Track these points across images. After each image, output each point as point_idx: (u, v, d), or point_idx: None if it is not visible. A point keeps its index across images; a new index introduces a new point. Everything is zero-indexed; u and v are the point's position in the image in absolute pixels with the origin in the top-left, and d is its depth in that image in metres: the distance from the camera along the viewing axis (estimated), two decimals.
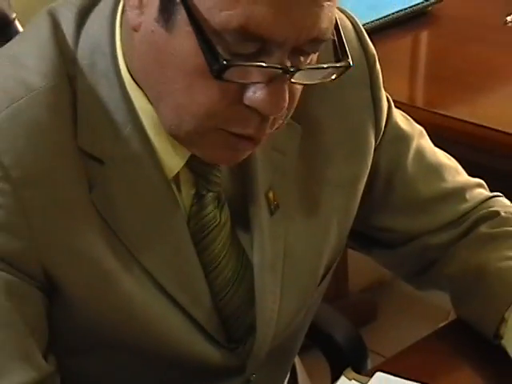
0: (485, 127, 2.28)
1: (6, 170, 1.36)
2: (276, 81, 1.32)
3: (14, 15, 2.01)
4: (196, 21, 1.29)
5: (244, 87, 1.34)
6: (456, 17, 2.88)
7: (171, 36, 1.33)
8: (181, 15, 1.30)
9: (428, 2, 2.88)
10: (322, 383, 1.78)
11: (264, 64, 1.31)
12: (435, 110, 2.19)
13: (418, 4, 2.85)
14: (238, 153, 1.44)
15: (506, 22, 2.81)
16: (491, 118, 2.34)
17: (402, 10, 2.78)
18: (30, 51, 1.47)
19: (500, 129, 2.28)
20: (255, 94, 1.33)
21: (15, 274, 1.39)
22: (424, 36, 2.82)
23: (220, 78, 1.30)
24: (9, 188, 1.36)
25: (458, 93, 2.48)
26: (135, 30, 1.38)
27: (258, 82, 1.32)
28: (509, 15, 2.82)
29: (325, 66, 1.41)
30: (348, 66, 1.40)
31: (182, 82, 1.36)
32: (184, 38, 1.32)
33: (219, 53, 1.29)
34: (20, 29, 1.99)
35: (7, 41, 1.61)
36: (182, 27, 1.31)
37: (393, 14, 2.76)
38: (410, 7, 2.80)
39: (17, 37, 1.62)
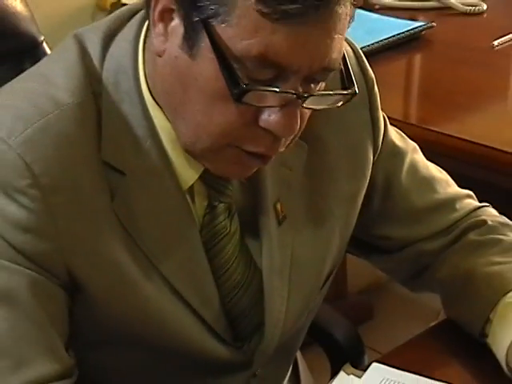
0: (473, 142, 2.28)
1: (36, 177, 1.37)
2: (289, 105, 1.35)
3: (41, 38, 2.01)
4: (218, 48, 1.31)
5: (260, 110, 1.35)
6: (447, 41, 2.89)
7: (194, 62, 1.35)
8: (204, 43, 1.32)
9: (421, 28, 2.88)
10: (322, 377, 1.77)
11: (279, 90, 1.33)
12: (427, 127, 2.18)
13: (412, 29, 2.85)
14: (248, 168, 1.46)
15: (493, 46, 2.81)
16: (479, 134, 2.34)
17: (396, 35, 2.79)
18: (59, 71, 1.48)
19: (487, 144, 2.28)
20: (270, 117, 1.35)
21: (42, 273, 1.40)
22: (417, 59, 2.83)
23: (239, 101, 1.32)
24: (38, 194, 1.37)
25: (448, 111, 2.48)
26: (159, 55, 1.40)
27: (273, 106, 1.34)
28: (496, 39, 2.82)
29: (332, 93, 1.43)
30: (354, 94, 1.41)
31: (203, 103, 1.38)
32: (206, 64, 1.34)
33: (239, 78, 1.31)
34: (47, 50, 1.99)
35: (36, 61, 1.63)
36: (204, 54, 1.33)
37: (388, 38, 2.77)
38: (404, 32, 2.80)
39: (46, 57, 1.67)
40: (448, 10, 3.06)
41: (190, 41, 1.34)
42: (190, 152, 1.46)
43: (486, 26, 2.96)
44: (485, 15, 3.05)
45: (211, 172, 1.49)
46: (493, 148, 2.27)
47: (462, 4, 3.05)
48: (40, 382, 1.37)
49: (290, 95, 1.34)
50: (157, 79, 1.45)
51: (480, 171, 1.93)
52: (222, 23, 1.30)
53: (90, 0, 2.85)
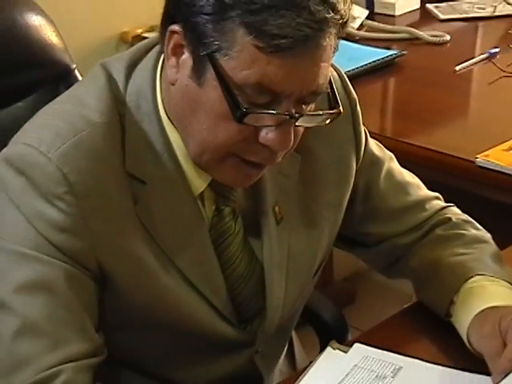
0: (439, 152, 2.31)
1: (72, 185, 1.39)
2: (284, 124, 1.37)
3: (74, 66, 2.02)
4: (222, 78, 1.33)
5: (259, 128, 1.37)
6: (416, 67, 2.91)
7: (202, 89, 1.38)
8: (210, 73, 1.35)
9: (394, 55, 2.90)
10: (313, 352, 1.77)
11: (275, 112, 1.35)
12: (401, 139, 2.20)
13: (387, 57, 2.88)
14: (248, 178, 1.49)
15: (455, 71, 2.83)
16: (443, 145, 2.35)
17: (374, 62, 2.80)
18: (90, 94, 1.50)
19: (450, 153, 2.30)
20: (267, 135, 1.37)
21: (76, 266, 1.42)
22: (391, 82, 2.83)
23: (240, 122, 1.34)
24: (74, 200, 1.40)
25: (418, 126, 2.49)
26: (172, 84, 1.43)
27: (269, 126, 1.36)
28: (457, 65, 2.84)
29: (321, 113, 1.45)
30: (339, 113, 1.44)
31: (209, 123, 1.40)
32: (212, 91, 1.36)
33: (240, 103, 1.33)
34: (79, 77, 2.00)
35: (69, 86, 1.66)
36: (210, 82, 1.36)
37: (367, 64, 2.78)
38: (380, 59, 2.82)
39: (78, 83, 1.70)
40: (417, 40, 3.07)
41: (197, 71, 1.37)
42: (198, 164, 1.48)
43: (449, 54, 2.98)
44: (448, 45, 3.06)
45: (215, 183, 1.53)
46: (455, 156, 2.30)
47: (429, 35, 3.07)
48: (74, 359, 1.38)
49: (284, 116, 1.36)
50: (171, 103, 1.48)
51: (445, 176, 1.95)
52: (225, 56, 1.33)
53: (115, 34, 2.85)
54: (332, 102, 1.46)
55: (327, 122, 1.46)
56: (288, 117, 1.37)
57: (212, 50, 1.34)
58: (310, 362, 1.63)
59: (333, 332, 2.00)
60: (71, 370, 1.37)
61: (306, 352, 1.91)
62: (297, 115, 1.38)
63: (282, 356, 1.82)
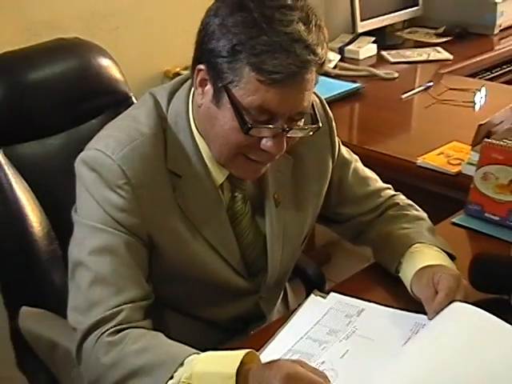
0: (391, 156, 2.32)
1: (129, 179, 1.41)
2: (278, 136, 1.40)
3: (131, 94, 2.02)
4: (233, 102, 1.36)
5: (260, 139, 1.39)
6: (373, 95, 2.90)
7: (220, 110, 1.39)
8: (225, 99, 1.36)
9: (358, 87, 2.89)
10: (300, 297, 1.77)
11: (272, 126, 1.37)
12: (364, 146, 2.20)
13: (353, 88, 2.87)
14: (255, 172, 1.51)
15: (401, 99, 2.83)
16: (394, 150, 2.37)
17: (344, 91, 2.80)
18: (141, 113, 1.51)
19: (398, 156, 2.33)
20: (267, 143, 1.39)
21: (132, 236, 1.43)
22: (356, 106, 2.83)
23: (247, 134, 1.36)
24: (130, 189, 1.42)
25: (375, 137, 2.49)
26: (199, 106, 1.44)
27: (267, 136, 1.39)
28: (403, 94, 2.84)
29: (306, 127, 1.47)
30: (318, 127, 1.47)
31: (225, 136, 1.41)
32: (227, 111, 1.38)
33: (247, 120, 1.35)
34: (134, 102, 1.98)
35: (127, 108, 1.63)
36: (225, 105, 1.37)
37: (339, 93, 2.78)
38: (349, 90, 2.83)
39: (133, 105, 1.67)
40: (374, 76, 3.06)
41: (216, 98, 1.40)
42: (219, 162, 1.50)
43: (397, 86, 2.96)
44: (396, 80, 3.05)
45: (234, 176, 1.53)
46: (402, 159, 2.31)
47: (383, 73, 3.06)
48: (131, 301, 1.40)
49: (278, 130, 1.38)
50: (198, 120, 1.49)
51: (395, 172, 1.96)
52: (235, 87, 1.35)
53: (160, 71, 2.87)
54: (314, 120, 1.49)
55: (310, 133, 1.48)
56: (281, 130, 1.39)
57: (227, 82, 1.36)
58: (299, 305, 1.63)
59: (314, 283, 1.99)
60: (129, 309, 1.39)
61: (295, 297, 1.90)
62: (288, 129, 1.40)
63: (279, 300, 1.81)
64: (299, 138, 1.51)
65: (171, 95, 1.53)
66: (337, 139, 1.73)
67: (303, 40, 1.33)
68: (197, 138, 1.50)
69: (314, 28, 1.36)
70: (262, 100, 1.35)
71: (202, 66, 1.41)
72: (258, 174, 1.53)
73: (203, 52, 1.40)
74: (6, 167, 1.76)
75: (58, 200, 1.78)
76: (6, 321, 1.81)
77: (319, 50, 1.35)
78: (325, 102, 1.69)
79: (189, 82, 1.52)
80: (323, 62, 1.39)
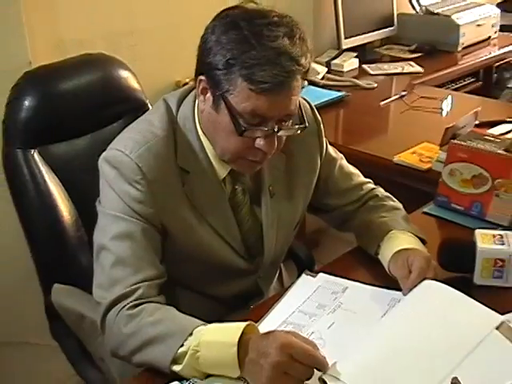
0: (371, 154, 2.31)
1: (145, 174, 1.40)
2: (270, 136, 1.39)
3: (147, 101, 2.00)
4: (229, 108, 1.36)
5: (254, 139, 1.38)
6: (356, 102, 2.88)
7: (218, 115, 1.39)
8: (222, 105, 1.36)
9: (342, 95, 2.87)
10: (293, 276, 1.78)
11: (263, 128, 1.37)
12: (348, 146, 2.18)
13: (338, 96, 2.84)
14: (252, 168, 1.50)
15: (379, 105, 2.81)
16: (374, 149, 2.35)
17: (331, 99, 2.78)
18: (155, 118, 1.51)
19: (378, 155, 2.31)
20: (260, 143, 1.39)
21: (148, 224, 1.43)
22: (341, 111, 2.80)
23: (242, 136, 1.36)
24: (146, 183, 1.41)
25: (357, 138, 2.47)
26: (202, 112, 1.44)
27: (260, 137, 1.38)
28: (381, 101, 2.82)
29: (295, 127, 1.46)
30: (305, 127, 1.46)
31: (224, 137, 1.42)
32: (224, 116, 1.37)
33: (241, 124, 1.35)
34: (150, 107, 1.96)
35: (143, 113, 1.62)
36: (223, 111, 1.37)
37: (327, 100, 2.76)
38: (335, 98, 2.80)
39: (148, 111, 1.66)
40: (357, 86, 3.03)
41: (215, 104, 1.40)
42: (222, 160, 1.49)
43: (376, 95, 2.94)
44: (375, 89, 3.03)
45: (234, 170, 1.52)
46: (380, 157, 2.30)
47: (364, 83, 3.05)
48: (147, 280, 1.39)
49: (269, 131, 1.38)
50: (202, 124, 1.48)
51: (375, 168, 1.95)
52: (230, 95, 1.35)
53: (172, 81, 2.88)
54: (301, 120, 1.48)
55: (298, 132, 1.47)
56: (272, 131, 1.38)
57: (223, 91, 1.36)
58: (292, 283, 1.62)
59: (305, 265, 1.97)
60: (146, 287, 1.38)
61: (289, 276, 1.88)
62: (277, 130, 1.39)
63: (275, 279, 1.80)
64: (291, 139, 1.51)
65: (180, 101, 1.52)
66: (324, 139, 1.71)
67: (288, 53, 1.33)
68: (202, 139, 1.49)
69: (297, 41, 1.35)
70: (253, 106, 1.34)
71: (202, 77, 1.40)
72: (255, 170, 1.53)
73: (203, 65, 1.40)
74: (40, 165, 1.77)
75: (84, 193, 1.76)
76: (41, 296, 1.82)
77: (303, 61, 1.35)
78: (314, 107, 1.67)
79: (195, 90, 1.51)
80: (307, 70, 1.39)
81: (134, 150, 1.43)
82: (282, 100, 1.36)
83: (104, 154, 1.48)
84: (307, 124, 1.48)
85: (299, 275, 1.65)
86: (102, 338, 1.42)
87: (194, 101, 1.50)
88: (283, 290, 1.64)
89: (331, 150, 1.75)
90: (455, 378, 1.04)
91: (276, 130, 1.39)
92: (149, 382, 1.28)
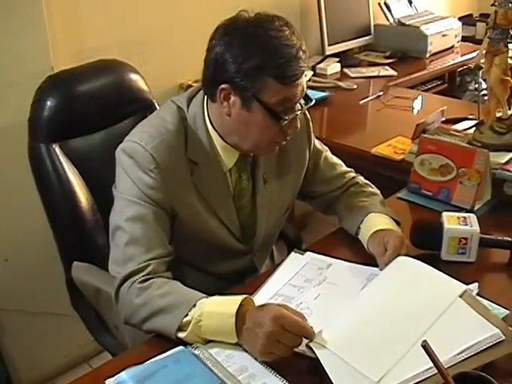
0: (352, 147, 2.29)
1: (158, 164, 1.39)
2: (295, 118, 1.41)
3: (154, 101, 1.98)
4: (265, 105, 1.36)
5: (285, 124, 1.39)
6: (338, 101, 2.85)
7: (251, 114, 1.39)
8: (255, 104, 1.37)
9: (326, 95, 2.84)
10: (283, 254, 1.75)
11: (295, 110, 1.42)
12: (332, 140, 2.14)
13: (323, 96, 2.81)
14: (273, 151, 1.54)
15: (359, 104, 2.79)
16: (355, 143, 2.33)
17: (316, 99, 2.72)
18: (167, 115, 1.49)
19: (358, 147, 2.29)
20: (292, 124, 1.44)
21: (159, 208, 1.41)
22: (325, 109, 2.77)
23: (281, 125, 1.38)
24: (158, 171, 1.40)
25: (340, 133, 2.44)
26: (228, 115, 1.42)
27: (291, 120, 1.40)
28: (360, 100, 2.80)
29: (306, 106, 1.47)
30: (313, 103, 1.49)
31: (259, 131, 1.42)
32: (258, 113, 1.38)
33: (278, 113, 1.37)
34: (157, 107, 1.95)
35: (151, 112, 1.63)
36: (256, 109, 1.37)
37: (317, 98, 2.72)
38: (319, 97, 2.76)
39: (159, 109, 1.63)
40: (339, 87, 3.00)
41: (247, 105, 1.38)
42: (252, 151, 1.52)
43: (356, 95, 2.91)
44: (355, 90, 3.00)
45: (240, 162, 1.52)
46: (360, 149, 2.27)
47: (345, 85, 3.02)
48: (157, 258, 1.38)
49: (299, 110, 1.44)
50: (223, 125, 1.46)
51: (355, 159, 1.90)
52: (263, 93, 1.35)
53: (176, 83, 2.85)
54: (306, 100, 1.49)
55: (312, 103, 1.50)
56: (300, 109, 1.44)
57: (254, 91, 1.35)
58: (282, 261, 1.60)
59: (294, 244, 1.95)
60: (155, 264, 1.37)
61: (279, 254, 1.86)
62: (301, 107, 1.45)
63: (268, 257, 1.78)
64: None
65: (189, 101, 1.51)
66: (312, 134, 1.70)
67: (299, 46, 1.36)
68: (211, 133, 1.47)
69: (297, 35, 1.38)
70: (284, 95, 1.35)
71: (224, 86, 1.38)
72: (275, 151, 1.54)
73: (222, 75, 1.37)
74: (61, 157, 1.76)
75: (99, 181, 1.77)
76: (62, 273, 1.81)
77: (305, 62, 1.38)
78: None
79: (201, 92, 1.50)
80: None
81: (149, 142, 1.41)
82: (301, 83, 1.38)
83: (121, 145, 1.47)
84: (314, 101, 1.50)
85: (289, 253, 1.63)
86: (116, 309, 1.41)
87: (202, 100, 1.49)
88: (274, 265, 1.64)
89: (317, 143, 1.74)
90: (425, 341, 1.02)
91: (301, 108, 1.43)
92: (157, 347, 1.27)
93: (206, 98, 1.48)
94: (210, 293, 1.31)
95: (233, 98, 1.39)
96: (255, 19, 1.39)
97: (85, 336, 1.81)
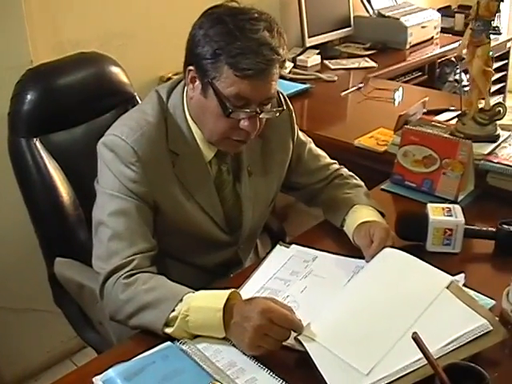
0: (335, 139, 2.28)
1: (139, 156, 1.38)
2: (253, 117, 1.36)
3: (135, 94, 1.95)
4: (217, 93, 1.33)
5: (239, 120, 1.35)
6: (319, 93, 2.84)
7: (207, 100, 1.36)
8: (210, 91, 1.33)
9: (308, 87, 2.83)
10: (266, 247, 1.76)
11: (248, 110, 1.35)
12: (314, 131, 2.12)
13: (304, 88, 2.81)
14: (237, 148, 1.47)
15: (340, 96, 2.78)
16: (337, 134, 2.32)
17: (297, 90, 2.74)
18: (148, 107, 1.47)
19: (340, 139, 2.28)
20: (244, 123, 1.36)
21: (141, 201, 1.39)
22: (306, 101, 2.75)
23: (228, 117, 1.33)
24: (140, 165, 1.38)
25: (322, 124, 2.41)
26: (191, 98, 1.40)
27: (244, 118, 1.36)
28: (342, 92, 2.80)
29: (274, 109, 1.44)
30: (283, 109, 1.48)
31: (212, 120, 1.38)
32: (212, 101, 1.35)
33: (227, 106, 1.32)
34: (138, 100, 1.93)
35: (133, 106, 1.66)
36: (211, 96, 1.34)
37: (294, 92, 2.72)
38: (300, 89, 2.76)
39: (142, 101, 1.59)
40: (320, 79, 2.99)
41: (204, 90, 1.37)
42: (210, 142, 1.46)
43: (337, 87, 2.90)
44: (336, 82, 2.99)
45: (220, 152, 1.49)
46: (343, 141, 2.26)
47: (326, 76, 3.01)
48: (141, 252, 1.37)
49: (252, 112, 1.36)
50: (191, 110, 1.44)
51: (339, 151, 1.89)
52: (218, 81, 1.33)
53: (156, 76, 2.84)
54: (279, 104, 1.49)
55: (277, 114, 1.46)
56: (255, 112, 1.36)
57: (211, 78, 1.34)
58: (267, 253, 1.59)
59: (277, 236, 1.94)
60: (140, 258, 1.35)
61: (263, 247, 1.85)
62: (259, 111, 1.37)
63: (252, 250, 1.77)
64: (267, 125, 1.48)
65: (170, 92, 1.49)
66: (296, 126, 1.69)
67: (268, 43, 1.32)
68: (191, 125, 1.46)
69: (276, 34, 1.35)
70: (238, 90, 1.32)
71: (191, 67, 1.39)
72: (239, 149, 1.51)
73: (192, 56, 1.38)
74: (41, 151, 1.74)
75: (81, 176, 1.74)
76: (42, 268, 1.79)
77: (281, 51, 1.35)
78: (286, 97, 1.63)
79: (183, 82, 1.48)
80: (284, 60, 1.38)
81: (130, 135, 1.39)
82: (263, 85, 1.34)
83: (102, 139, 1.44)
84: (285, 107, 1.49)
85: (273, 246, 1.62)
86: (101, 304, 1.39)
87: (183, 91, 1.47)
88: (259, 259, 1.62)
89: (301, 134, 1.73)
90: (415, 333, 1.02)
91: (258, 111, 1.37)
92: (143, 343, 1.25)
93: (185, 88, 1.47)
94: (194, 286, 1.30)
95: (197, 82, 1.39)
96: (233, 8, 1.38)
97: (67, 332, 1.79)
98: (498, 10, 1.82)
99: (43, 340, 2.51)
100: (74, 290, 1.65)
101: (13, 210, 1.96)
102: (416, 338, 1.02)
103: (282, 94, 1.61)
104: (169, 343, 1.22)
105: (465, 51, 1.93)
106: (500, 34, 1.92)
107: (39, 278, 1.82)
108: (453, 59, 3.61)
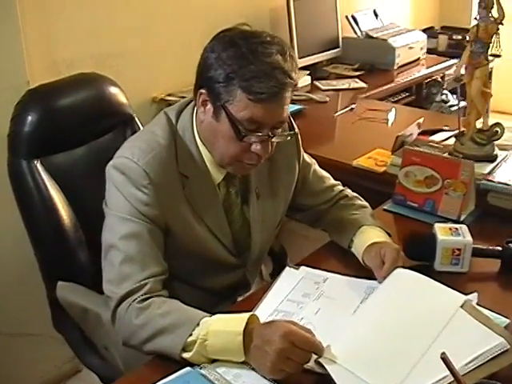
0: (333, 160, 2.26)
1: (151, 179, 1.36)
2: (265, 141, 1.35)
3: (134, 115, 1.94)
4: (230, 116, 1.32)
5: (251, 144, 1.34)
6: (312, 114, 2.85)
7: (219, 124, 1.35)
8: (223, 114, 1.32)
9: (300, 108, 2.83)
10: (269, 269, 1.75)
11: (260, 134, 1.33)
12: (310, 152, 2.04)
13: (296, 109, 2.80)
14: (248, 170, 1.46)
15: (334, 116, 2.80)
16: (336, 155, 2.31)
17: (295, 111, 2.73)
18: (158, 129, 1.46)
19: (339, 160, 2.28)
20: (256, 147, 1.35)
21: (152, 224, 1.38)
22: (300, 122, 2.65)
23: (241, 141, 1.32)
24: (152, 187, 1.37)
25: (317, 146, 2.39)
26: (202, 122, 1.40)
27: (256, 142, 1.35)
28: (335, 113, 2.81)
29: (285, 133, 1.45)
30: (295, 133, 1.49)
31: (224, 144, 1.37)
32: (225, 124, 1.33)
33: (240, 130, 1.31)
34: (137, 122, 1.92)
35: (131, 129, 1.73)
36: (223, 119, 1.33)
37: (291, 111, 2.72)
38: (294, 110, 2.75)
39: (150, 123, 1.54)
40: (311, 100, 3.01)
41: (216, 114, 1.36)
42: (220, 165, 1.45)
43: (329, 108, 2.92)
44: (328, 103, 3.01)
45: (229, 175, 1.48)
46: (341, 162, 2.26)
47: (317, 97, 3.03)
48: (154, 276, 1.35)
49: (265, 136, 1.34)
50: (202, 133, 1.43)
51: (337, 172, 1.86)
52: (230, 104, 1.31)
53: (150, 97, 2.82)
54: (290, 127, 1.52)
55: (288, 138, 1.47)
56: (267, 136, 1.35)
57: (224, 102, 1.32)
58: (277, 275, 1.57)
59: (279, 257, 1.94)
60: (152, 282, 1.34)
61: (266, 268, 1.84)
62: (272, 135, 1.37)
63: (258, 272, 1.75)
64: (276, 145, 1.47)
65: (179, 114, 1.48)
66: (301, 148, 1.69)
67: (281, 67, 1.32)
68: (200, 147, 1.45)
69: (288, 58, 1.35)
70: (251, 113, 1.32)
71: (203, 90, 1.38)
72: (249, 172, 1.51)
73: (203, 79, 1.37)
74: (42, 173, 1.71)
75: (81, 197, 1.73)
76: (38, 292, 1.76)
77: (293, 75, 1.34)
78: (292, 119, 1.63)
79: (192, 103, 1.48)
80: (296, 84, 1.38)
81: (141, 158, 1.38)
82: (276, 108, 1.34)
83: (112, 161, 1.43)
84: (297, 131, 1.49)
85: (276, 268, 1.62)
86: (106, 329, 1.39)
87: (192, 113, 1.46)
88: (262, 281, 1.63)
89: (306, 156, 1.73)
90: (444, 353, 1.02)
91: (271, 135, 1.37)
92: (158, 369, 1.23)
93: (195, 110, 1.47)
94: (200, 308, 1.30)
95: (209, 105, 1.38)
96: (245, 31, 1.38)
97: (61, 356, 1.77)
98: (497, 33, 1.85)
99: (37, 364, 2.46)
100: (78, 314, 1.62)
101: (5, 231, 1.93)
102: (445, 359, 1.02)
103: (289, 117, 1.61)
104: (189, 368, 1.20)
105: (463, 71, 1.96)
106: (500, 56, 1.94)
107: (31, 302, 1.80)
108: (439, 80, 3.67)
